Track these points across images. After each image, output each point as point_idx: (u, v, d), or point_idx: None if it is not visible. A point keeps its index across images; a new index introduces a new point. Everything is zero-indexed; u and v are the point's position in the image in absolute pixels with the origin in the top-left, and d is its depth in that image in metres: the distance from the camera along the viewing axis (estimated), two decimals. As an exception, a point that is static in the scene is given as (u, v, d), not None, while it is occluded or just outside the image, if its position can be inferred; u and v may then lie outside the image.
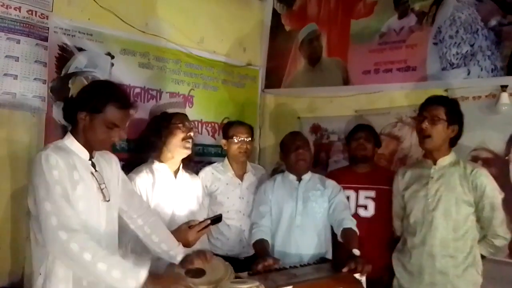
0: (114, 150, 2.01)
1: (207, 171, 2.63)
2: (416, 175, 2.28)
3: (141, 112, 2.35)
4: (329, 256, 2.37)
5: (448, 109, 2.15)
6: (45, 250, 1.53)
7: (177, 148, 2.17)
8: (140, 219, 1.86)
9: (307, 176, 2.46)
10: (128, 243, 1.95)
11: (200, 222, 2.03)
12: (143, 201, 1.99)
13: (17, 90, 2.21)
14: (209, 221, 2.06)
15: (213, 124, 3.21)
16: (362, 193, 2.58)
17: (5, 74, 2.17)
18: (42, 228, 1.50)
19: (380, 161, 2.77)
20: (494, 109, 2.49)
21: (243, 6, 3.46)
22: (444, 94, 2.56)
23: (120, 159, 1.91)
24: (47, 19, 2.32)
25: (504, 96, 2.44)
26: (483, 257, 2.18)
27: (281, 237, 2.36)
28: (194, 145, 2.29)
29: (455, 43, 2.63)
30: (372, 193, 2.56)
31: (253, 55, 3.54)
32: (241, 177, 2.65)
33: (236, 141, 2.59)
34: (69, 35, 2.42)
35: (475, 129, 2.49)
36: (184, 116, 2.26)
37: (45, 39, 2.32)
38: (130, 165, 2.25)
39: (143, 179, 2.12)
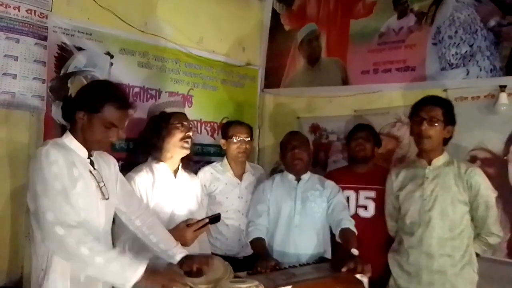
0: (113, 149, 2.01)
1: (206, 171, 2.63)
2: (411, 176, 2.28)
3: (141, 111, 2.35)
4: (328, 256, 2.37)
5: (445, 110, 2.16)
6: (46, 246, 1.54)
7: (176, 148, 2.16)
8: (138, 220, 1.86)
9: (306, 176, 2.46)
10: (126, 242, 1.95)
11: (198, 221, 2.02)
12: (141, 201, 1.98)
13: (16, 89, 2.21)
14: (207, 220, 2.05)
15: (212, 123, 3.22)
16: (362, 194, 2.57)
17: (4, 74, 2.17)
18: (40, 224, 1.51)
19: (378, 160, 2.77)
20: (493, 109, 2.49)
21: (242, 6, 3.46)
22: (443, 94, 2.56)
23: (119, 159, 1.92)
24: (46, 18, 2.32)
25: (503, 96, 2.44)
26: (477, 255, 2.19)
27: (280, 236, 2.36)
28: (193, 144, 2.29)
29: (454, 43, 2.64)
30: (372, 193, 2.55)
31: (252, 55, 3.54)
32: (240, 177, 2.65)
33: (235, 141, 2.59)
34: (69, 34, 2.42)
35: (474, 129, 2.51)
36: (183, 115, 2.25)
37: (44, 38, 2.32)
38: (129, 164, 2.24)
39: (143, 178, 2.11)
